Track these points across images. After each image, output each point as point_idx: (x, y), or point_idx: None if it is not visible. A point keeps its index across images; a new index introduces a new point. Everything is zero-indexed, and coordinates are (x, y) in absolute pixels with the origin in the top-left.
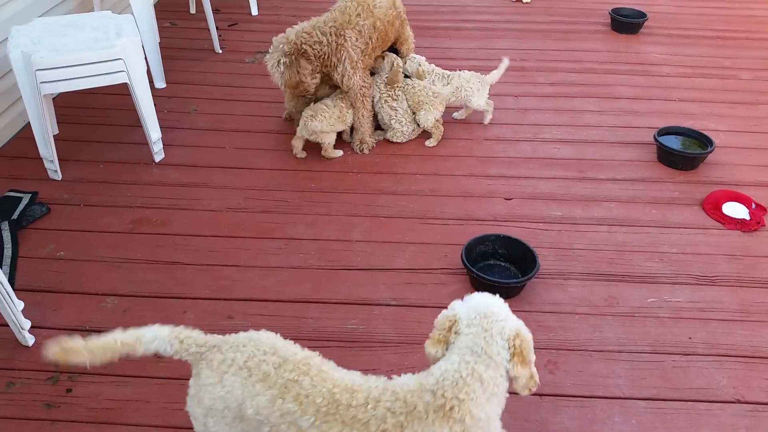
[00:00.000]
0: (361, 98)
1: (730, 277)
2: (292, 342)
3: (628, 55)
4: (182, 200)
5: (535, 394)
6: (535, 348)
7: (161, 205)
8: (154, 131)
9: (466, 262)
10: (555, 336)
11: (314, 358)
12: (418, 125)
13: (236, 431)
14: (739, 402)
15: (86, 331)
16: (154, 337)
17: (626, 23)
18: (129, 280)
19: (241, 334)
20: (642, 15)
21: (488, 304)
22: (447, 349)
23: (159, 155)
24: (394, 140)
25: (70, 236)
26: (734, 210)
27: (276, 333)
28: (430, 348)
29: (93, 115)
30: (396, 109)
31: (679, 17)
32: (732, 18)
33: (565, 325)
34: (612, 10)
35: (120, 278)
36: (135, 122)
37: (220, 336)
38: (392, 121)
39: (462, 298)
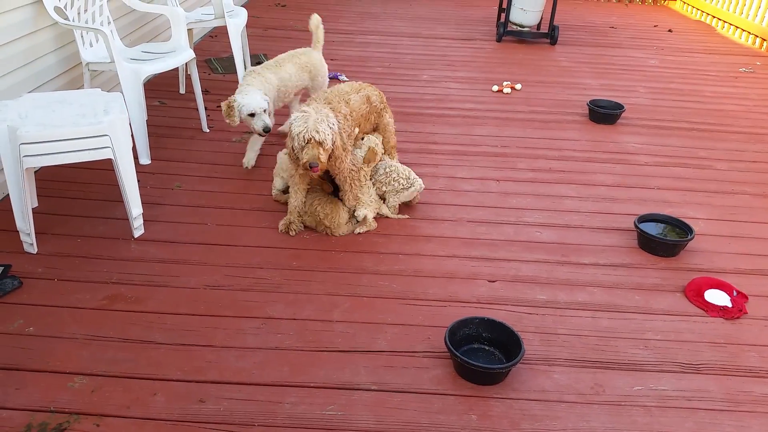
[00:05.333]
0: (349, 181)
1: (715, 366)
2: None
3: (607, 145)
4: (159, 277)
5: None
6: None
7: (137, 281)
8: (135, 207)
9: (450, 346)
10: (541, 426)
11: None
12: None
13: None
14: None
15: (51, 412)
16: None
17: (604, 114)
18: (99, 358)
19: None
20: (619, 106)
21: None
22: None
23: (139, 231)
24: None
25: (41, 311)
26: (716, 297)
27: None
28: None
29: (74, 190)
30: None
31: (654, 109)
32: (705, 111)
33: (552, 414)
34: (590, 101)
35: (90, 356)
36: (117, 197)
37: None
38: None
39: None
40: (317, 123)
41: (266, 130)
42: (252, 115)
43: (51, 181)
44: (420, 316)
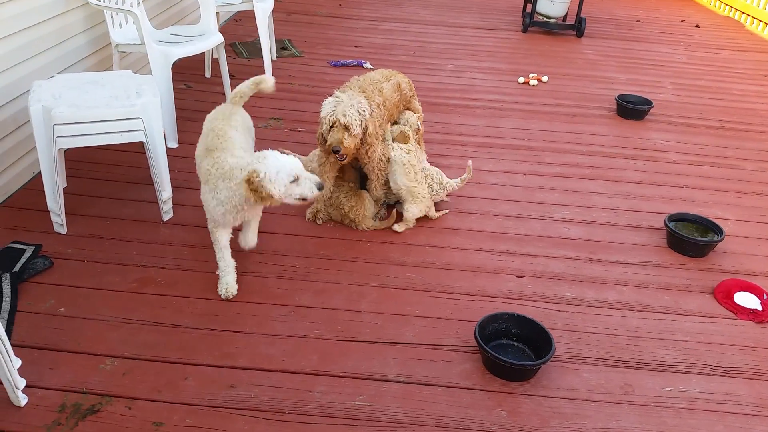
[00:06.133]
0: (377, 171)
1: (744, 369)
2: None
3: (634, 141)
4: (189, 261)
5: None
6: None
7: (167, 265)
8: (165, 190)
9: (480, 342)
10: (571, 424)
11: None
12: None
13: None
14: None
15: (83, 393)
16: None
17: (632, 110)
18: (130, 341)
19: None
20: (647, 102)
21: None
22: None
23: (168, 214)
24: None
25: (72, 292)
26: (746, 300)
27: None
28: None
29: (102, 171)
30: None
31: (682, 106)
32: (732, 110)
33: (582, 412)
34: (618, 96)
35: (121, 339)
36: (144, 179)
37: None
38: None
39: None
40: (346, 108)
41: (321, 188)
42: (296, 180)
43: (79, 162)
44: (448, 310)
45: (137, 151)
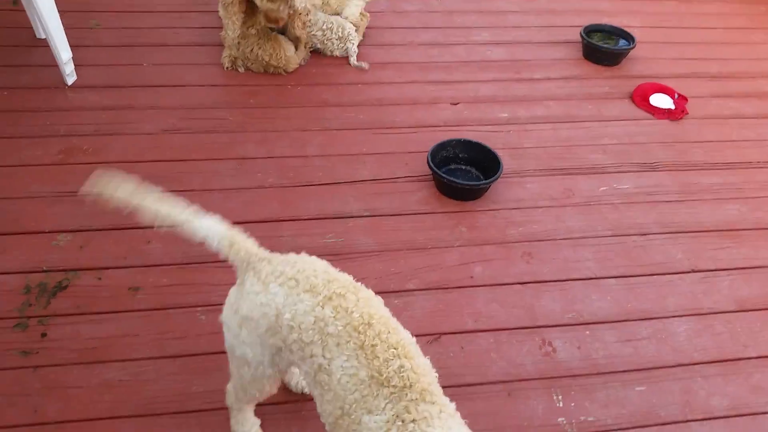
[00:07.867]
0: (305, 15)
1: (667, 163)
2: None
3: None
4: (110, 125)
5: (517, 283)
6: (509, 242)
7: (88, 131)
8: (64, 51)
9: (435, 169)
10: (524, 229)
11: (368, 291)
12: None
13: (265, 343)
14: (694, 271)
15: (45, 271)
16: (207, 229)
17: None
18: (77, 213)
19: (292, 254)
20: None
21: None
22: None
23: (71, 77)
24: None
25: None
26: (661, 101)
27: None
28: None
29: None
30: (321, 30)
31: None
32: None
33: (531, 218)
34: None
35: (65, 213)
36: (30, 41)
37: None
38: (326, 42)
39: None
40: None
41: None
42: None
43: None
44: (393, 144)
45: (10, 9)
